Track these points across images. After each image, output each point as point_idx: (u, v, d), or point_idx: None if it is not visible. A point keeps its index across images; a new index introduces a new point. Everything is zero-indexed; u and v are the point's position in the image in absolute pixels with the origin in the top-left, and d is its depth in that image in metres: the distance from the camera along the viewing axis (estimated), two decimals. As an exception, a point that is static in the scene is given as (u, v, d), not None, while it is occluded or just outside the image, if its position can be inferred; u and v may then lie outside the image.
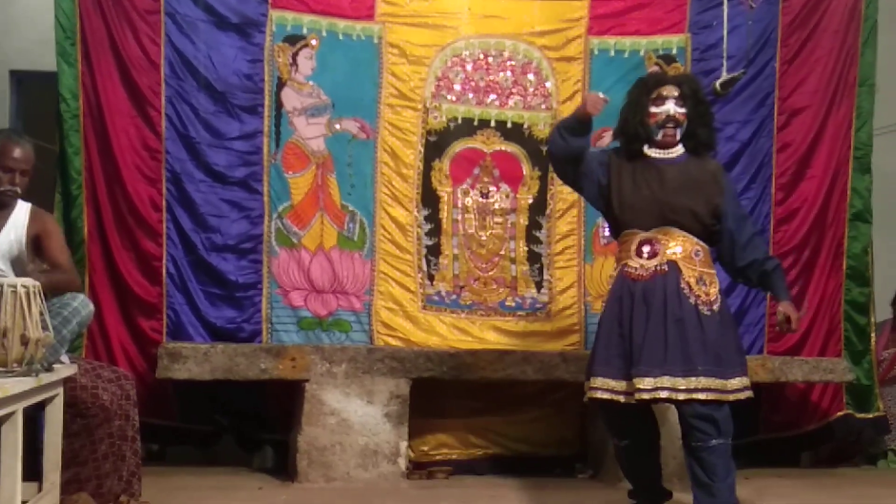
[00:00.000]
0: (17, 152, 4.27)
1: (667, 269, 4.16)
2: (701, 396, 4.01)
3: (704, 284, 4.16)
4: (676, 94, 4.29)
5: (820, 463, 6.59)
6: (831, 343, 6.30)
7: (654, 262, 4.18)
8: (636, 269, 4.20)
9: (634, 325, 4.12)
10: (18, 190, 4.30)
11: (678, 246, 4.19)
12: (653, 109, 4.30)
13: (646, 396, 4.04)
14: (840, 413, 6.34)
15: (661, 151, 4.33)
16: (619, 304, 4.21)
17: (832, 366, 6.04)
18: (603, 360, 4.19)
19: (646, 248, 4.22)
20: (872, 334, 6.43)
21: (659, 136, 4.30)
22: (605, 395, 4.15)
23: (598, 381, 4.18)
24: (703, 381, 4.02)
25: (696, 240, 4.22)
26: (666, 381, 4.02)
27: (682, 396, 4.02)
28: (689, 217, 4.23)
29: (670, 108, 4.28)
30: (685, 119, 4.30)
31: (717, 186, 4.30)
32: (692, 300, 4.11)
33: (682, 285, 4.12)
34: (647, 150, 4.35)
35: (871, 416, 6.40)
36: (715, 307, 4.14)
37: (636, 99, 4.36)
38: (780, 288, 4.37)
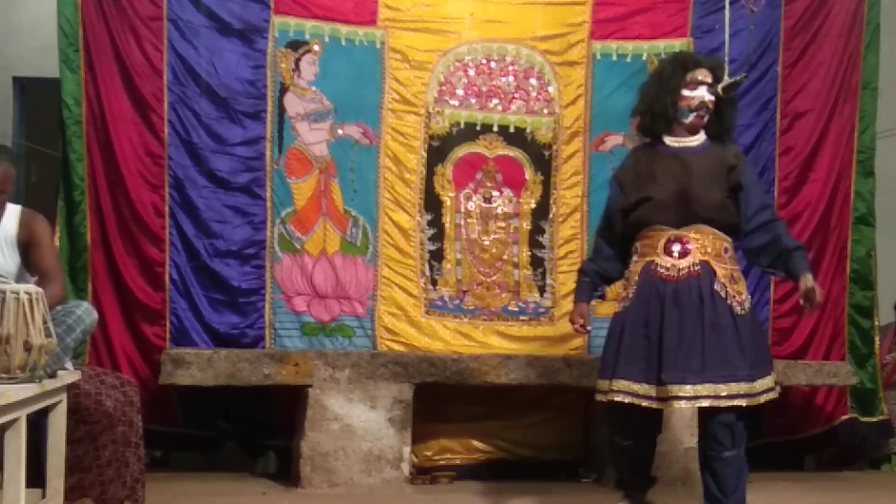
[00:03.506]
0: None
1: (700, 269, 3.99)
2: (743, 403, 3.87)
3: (736, 283, 4.02)
4: (710, 80, 4.16)
5: (824, 467, 6.59)
6: (835, 347, 6.30)
7: (685, 261, 4.01)
8: (667, 268, 4.02)
9: (666, 329, 3.95)
10: None
11: (709, 244, 4.03)
12: (686, 93, 4.13)
13: (684, 404, 3.92)
14: (844, 417, 6.34)
15: (681, 140, 4.18)
16: (647, 305, 4.02)
17: (836, 369, 6.04)
18: (626, 361, 4.00)
19: (676, 247, 4.04)
20: (876, 338, 6.42)
21: (689, 119, 4.14)
22: (627, 399, 3.96)
23: (620, 384, 3.98)
24: (744, 387, 3.87)
25: (723, 235, 4.06)
26: (708, 388, 3.86)
27: (724, 403, 3.86)
28: (720, 212, 4.07)
29: (704, 94, 4.13)
30: (713, 106, 4.18)
31: (739, 167, 4.14)
32: (728, 301, 3.96)
33: (717, 286, 3.96)
34: (666, 139, 4.19)
35: (875, 419, 6.40)
36: (747, 306, 4.00)
37: (669, 78, 4.17)
38: (803, 265, 4.02)
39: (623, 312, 4.13)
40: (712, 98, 4.16)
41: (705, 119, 4.19)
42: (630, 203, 4.18)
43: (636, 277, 4.13)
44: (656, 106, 4.19)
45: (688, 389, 3.87)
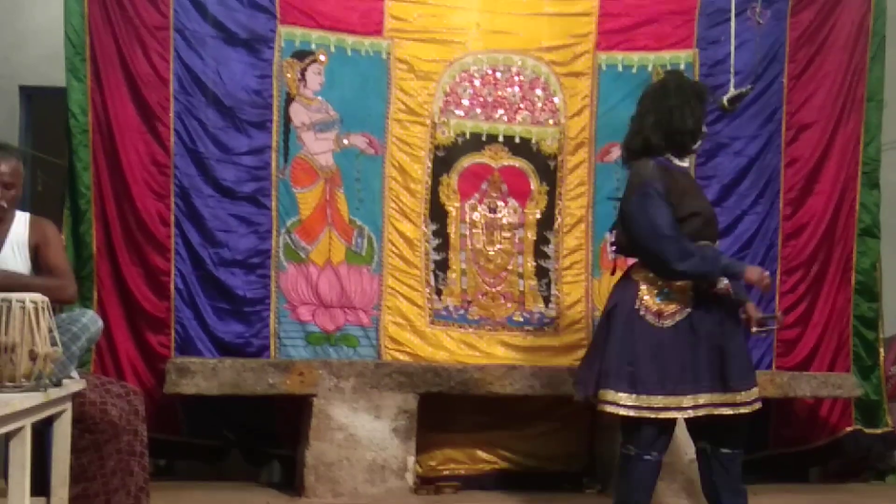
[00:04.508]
0: (2, 166, 4.21)
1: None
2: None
3: None
4: None
5: (828, 478, 6.58)
6: (840, 358, 6.29)
7: None
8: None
9: (726, 338, 4.07)
10: (4, 204, 4.24)
11: None
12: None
13: (747, 409, 4.04)
14: (849, 428, 6.33)
15: (683, 161, 4.25)
16: (706, 317, 4.07)
17: (841, 381, 6.03)
18: (709, 375, 4.03)
19: None
20: (881, 349, 6.42)
21: (697, 146, 4.29)
22: (703, 412, 4.03)
23: (705, 397, 4.02)
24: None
25: None
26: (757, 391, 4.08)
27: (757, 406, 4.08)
28: None
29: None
30: None
31: None
32: None
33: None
34: (674, 159, 4.21)
35: (879, 431, 6.39)
36: None
37: (703, 106, 4.25)
38: None
39: (683, 325, 4.08)
40: None
41: None
42: (680, 216, 4.11)
43: (689, 292, 4.10)
44: (696, 132, 4.22)
45: (750, 394, 4.05)
